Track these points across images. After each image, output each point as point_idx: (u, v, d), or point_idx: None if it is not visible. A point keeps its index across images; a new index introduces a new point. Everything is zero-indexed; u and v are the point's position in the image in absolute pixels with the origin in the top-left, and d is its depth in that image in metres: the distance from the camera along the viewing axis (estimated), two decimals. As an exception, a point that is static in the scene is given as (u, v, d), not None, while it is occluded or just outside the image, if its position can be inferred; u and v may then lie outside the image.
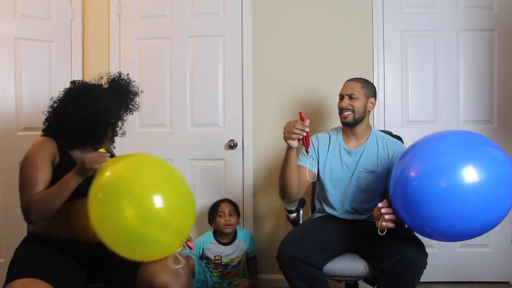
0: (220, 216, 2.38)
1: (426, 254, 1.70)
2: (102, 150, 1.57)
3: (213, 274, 2.42)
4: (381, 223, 1.61)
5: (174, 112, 2.72)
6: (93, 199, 1.42)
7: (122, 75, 1.80)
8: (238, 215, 2.49)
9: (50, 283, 1.40)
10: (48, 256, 1.54)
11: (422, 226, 1.51)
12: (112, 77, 1.77)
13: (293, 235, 1.85)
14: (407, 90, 2.63)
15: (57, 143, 1.62)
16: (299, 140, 1.77)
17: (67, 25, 2.73)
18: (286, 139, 1.77)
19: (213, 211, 2.43)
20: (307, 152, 1.86)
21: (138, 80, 2.77)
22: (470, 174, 1.38)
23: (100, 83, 1.74)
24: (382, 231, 1.61)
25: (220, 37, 2.70)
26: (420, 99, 2.62)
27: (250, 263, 2.54)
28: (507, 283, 2.59)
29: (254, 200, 2.68)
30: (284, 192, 1.92)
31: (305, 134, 1.74)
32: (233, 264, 2.41)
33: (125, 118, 1.79)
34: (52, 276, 1.43)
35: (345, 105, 1.98)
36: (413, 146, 1.62)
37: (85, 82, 1.75)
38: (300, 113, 1.75)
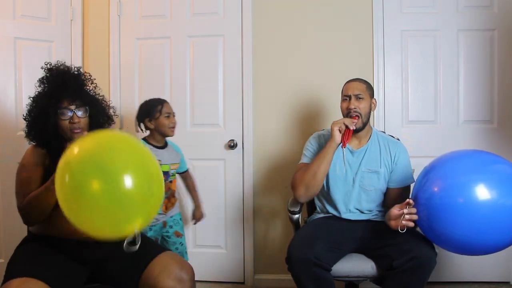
0: (166, 117, 2.16)
1: (435, 253, 1.70)
2: None
3: None
4: (401, 222, 1.65)
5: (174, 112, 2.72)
6: (59, 177, 1.29)
7: (46, 65, 1.80)
8: None
9: (47, 282, 1.40)
10: (46, 255, 1.54)
11: (439, 235, 1.62)
12: (40, 80, 1.78)
13: (302, 236, 1.82)
14: (407, 90, 2.63)
15: (47, 149, 1.65)
16: (341, 133, 1.87)
17: (67, 25, 2.73)
18: (333, 125, 1.88)
19: (153, 111, 2.15)
20: (343, 147, 1.92)
21: (138, 80, 2.78)
22: (482, 191, 1.54)
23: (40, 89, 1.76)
24: (402, 229, 1.66)
25: (220, 37, 2.70)
26: (420, 99, 2.62)
27: (187, 179, 2.41)
28: (507, 283, 2.59)
29: (254, 200, 2.68)
30: (312, 187, 1.91)
31: (351, 128, 1.87)
32: (171, 171, 2.19)
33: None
34: (49, 275, 1.43)
35: (354, 106, 1.93)
36: (432, 168, 1.71)
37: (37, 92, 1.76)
38: (353, 117, 1.92)
